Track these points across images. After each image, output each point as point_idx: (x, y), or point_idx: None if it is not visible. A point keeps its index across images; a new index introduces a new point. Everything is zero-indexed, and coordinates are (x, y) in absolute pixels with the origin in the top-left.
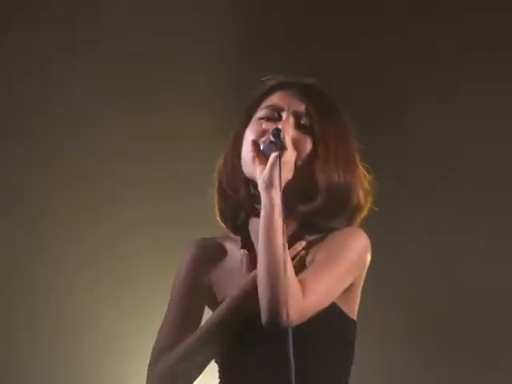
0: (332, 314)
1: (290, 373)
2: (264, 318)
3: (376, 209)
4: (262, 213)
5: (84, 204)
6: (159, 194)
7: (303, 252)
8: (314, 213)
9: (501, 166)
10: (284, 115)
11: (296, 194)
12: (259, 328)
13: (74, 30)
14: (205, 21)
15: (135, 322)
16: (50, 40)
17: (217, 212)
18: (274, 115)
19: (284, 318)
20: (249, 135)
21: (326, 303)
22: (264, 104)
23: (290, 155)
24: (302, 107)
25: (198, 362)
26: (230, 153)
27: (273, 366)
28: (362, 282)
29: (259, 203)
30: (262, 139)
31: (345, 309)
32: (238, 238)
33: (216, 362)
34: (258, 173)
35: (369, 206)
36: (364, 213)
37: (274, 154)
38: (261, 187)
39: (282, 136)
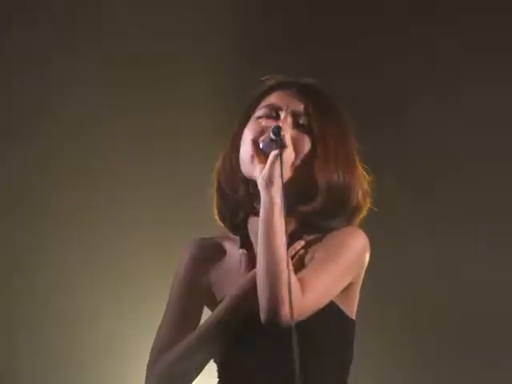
0: (331, 313)
1: (294, 371)
2: (263, 316)
3: (375, 209)
4: (262, 211)
5: (84, 204)
6: (159, 193)
7: (302, 251)
8: (314, 213)
9: (501, 165)
10: (282, 114)
11: (295, 193)
12: (258, 328)
13: (74, 30)
14: (205, 21)
15: (135, 322)
16: (50, 40)
17: (215, 211)
18: (273, 114)
19: (283, 316)
20: (247, 134)
21: (324, 301)
22: (263, 103)
23: (289, 154)
24: (300, 107)
25: (196, 362)
26: (229, 152)
27: (272, 365)
28: (360, 282)
29: (258, 202)
30: (261, 138)
31: (344, 308)
32: (237, 237)
33: (215, 361)
34: (257, 171)
35: (368, 206)
36: (363, 213)
37: (274, 152)
38: (260, 186)
39: (282, 134)
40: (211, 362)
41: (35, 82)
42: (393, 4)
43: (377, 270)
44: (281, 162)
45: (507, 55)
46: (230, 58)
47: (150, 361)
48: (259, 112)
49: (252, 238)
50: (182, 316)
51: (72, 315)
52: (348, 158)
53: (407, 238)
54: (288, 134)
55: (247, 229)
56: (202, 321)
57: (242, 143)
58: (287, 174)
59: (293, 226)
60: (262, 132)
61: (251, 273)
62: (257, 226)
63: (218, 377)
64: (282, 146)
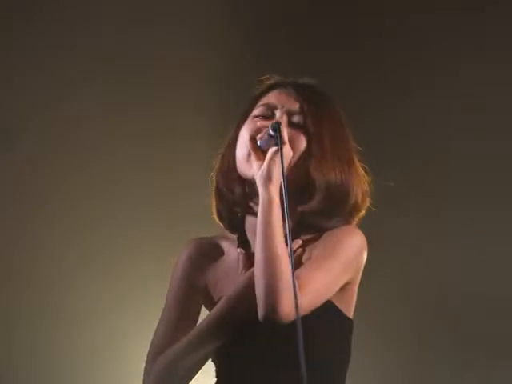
0: (328, 312)
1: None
2: (261, 313)
3: (375, 209)
4: (260, 208)
5: (83, 203)
6: (159, 194)
7: (300, 250)
8: (311, 212)
9: (501, 165)
10: (277, 113)
11: (292, 192)
12: (255, 327)
13: (74, 30)
14: (205, 21)
15: (134, 322)
16: (50, 40)
17: (214, 211)
18: (268, 113)
19: (280, 313)
20: (244, 133)
21: (322, 300)
22: (259, 103)
23: (288, 151)
24: (295, 106)
25: (194, 361)
26: (227, 152)
27: (270, 365)
28: (358, 281)
29: (254, 202)
30: (258, 136)
31: (341, 307)
32: (235, 237)
33: (213, 361)
34: (255, 169)
35: (367, 206)
36: (362, 213)
37: (272, 149)
38: (259, 183)
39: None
40: (209, 361)
41: (35, 82)
42: (393, 4)
43: (376, 270)
44: (282, 157)
45: (507, 55)
46: (229, 58)
47: (147, 360)
48: (256, 111)
49: (249, 238)
50: (180, 315)
51: (71, 315)
52: (345, 157)
53: (407, 237)
54: (285, 131)
55: (244, 228)
56: (200, 320)
57: (238, 142)
58: (285, 171)
59: (290, 225)
60: (257, 131)
61: (248, 273)
62: (254, 226)
63: (216, 376)
64: (281, 141)
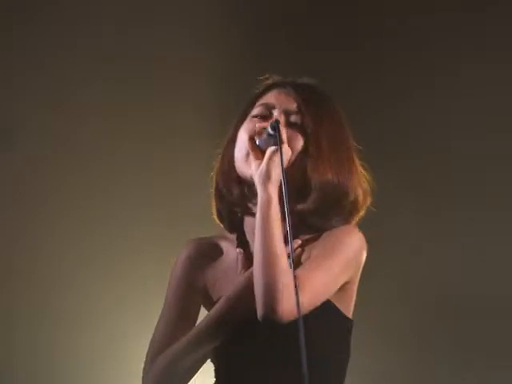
0: (327, 312)
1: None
2: (260, 312)
3: (374, 209)
4: (259, 208)
5: (82, 203)
6: (159, 194)
7: (299, 250)
8: (308, 212)
9: (501, 165)
10: (275, 113)
11: (290, 192)
12: (255, 327)
13: (74, 30)
14: (205, 21)
15: (134, 322)
16: (50, 40)
17: (214, 211)
18: (267, 113)
19: (279, 312)
20: (242, 133)
21: (321, 299)
22: (258, 103)
23: (287, 150)
24: (293, 105)
25: (193, 361)
26: (226, 152)
27: (269, 365)
28: (357, 281)
29: (253, 202)
30: (257, 136)
31: (340, 307)
32: (234, 237)
33: (212, 361)
34: (253, 168)
35: (367, 205)
36: (362, 212)
37: (271, 148)
38: (258, 182)
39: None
40: (208, 361)
41: (35, 82)
42: (393, 4)
43: (376, 270)
44: (281, 155)
45: (507, 55)
46: (230, 58)
47: (147, 359)
48: (254, 111)
49: (248, 238)
50: (180, 313)
51: (71, 315)
52: (343, 157)
53: (407, 237)
54: (283, 131)
55: (244, 228)
56: (199, 320)
57: (236, 142)
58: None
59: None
60: (256, 130)
61: (247, 273)
62: (252, 226)
63: (215, 376)
64: (280, 140)
